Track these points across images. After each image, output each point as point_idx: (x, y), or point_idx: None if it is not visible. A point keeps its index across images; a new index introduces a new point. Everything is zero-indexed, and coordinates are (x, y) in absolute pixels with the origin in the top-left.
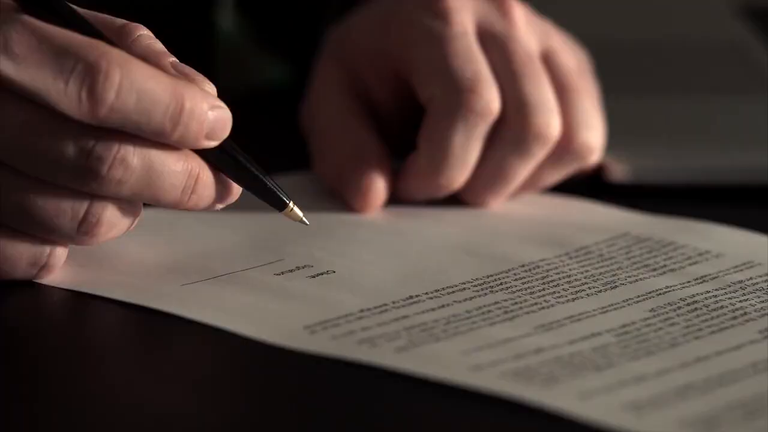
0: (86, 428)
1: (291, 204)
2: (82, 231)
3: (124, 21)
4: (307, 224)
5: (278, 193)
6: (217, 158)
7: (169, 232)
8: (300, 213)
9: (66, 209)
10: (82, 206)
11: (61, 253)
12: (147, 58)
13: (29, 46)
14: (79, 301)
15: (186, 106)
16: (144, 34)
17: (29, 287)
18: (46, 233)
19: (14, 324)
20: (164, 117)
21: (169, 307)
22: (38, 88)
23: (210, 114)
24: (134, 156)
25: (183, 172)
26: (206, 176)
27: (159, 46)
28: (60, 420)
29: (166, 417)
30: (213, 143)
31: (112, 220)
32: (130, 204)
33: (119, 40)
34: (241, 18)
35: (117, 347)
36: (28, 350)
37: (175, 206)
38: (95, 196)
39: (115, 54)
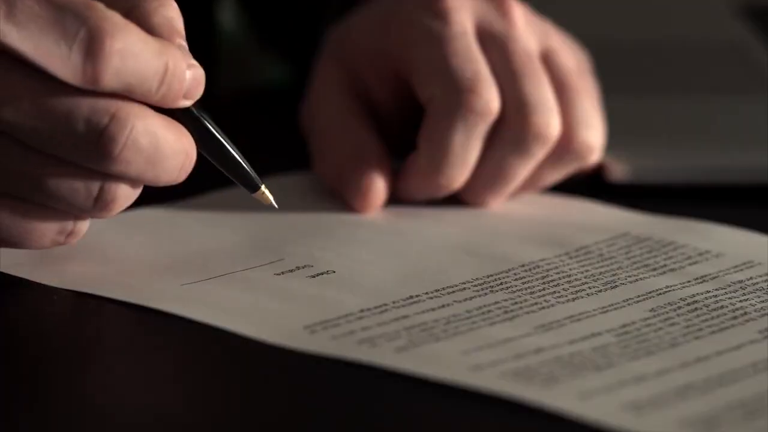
0: (86, 428)
1: (263, 187)
2: (98, 207)
3: None
4: (276, 208)
5: (252, 174)
6: (200, 136)
7: (169, 232)
8: (271, 197)
9: (80, 188)
10: (96, 185)
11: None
12: (161, 30)
13: (31, 12)
14: (79, 301)
15: (170, 66)
16: (170, 6)
17: (29, 287)
18: (65, 209)
19: (14, 324)
20: (153, 80)
21: (169, 307)
22: (41, 55)
23: (188, 73)
24: (144, 137)
25: (182, 152)
26: (195, 155)
27: (178, 24)
28: (60, 420)
29: (165, 417)
30: (189, 102)
31: (126, 194)
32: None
33: (145, 5)
34: (242, 18)
35: (117, 347)
36: (28, 350)
37: (166, 184)
38: (107, 175)
39: (115, 18)
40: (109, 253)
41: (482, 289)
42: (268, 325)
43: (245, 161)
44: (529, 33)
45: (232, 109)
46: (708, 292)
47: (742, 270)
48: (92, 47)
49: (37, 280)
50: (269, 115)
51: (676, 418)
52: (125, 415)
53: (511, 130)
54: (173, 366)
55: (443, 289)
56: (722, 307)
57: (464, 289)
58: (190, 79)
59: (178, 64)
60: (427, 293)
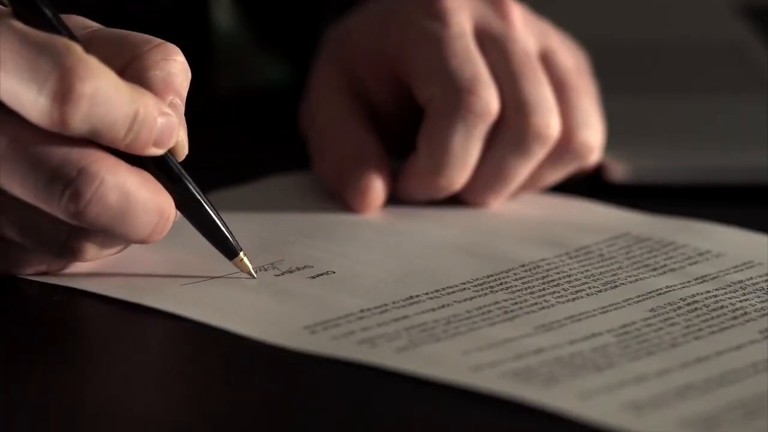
0: (86, 428)
1: (242, 254)
2: (66, 255)
3: (161, 41)
4: (254, 277)
5: (231, 240)
6: (183, 201)
7: (169, 232)
8: (249, 265)
9: (48, 234)
10: (63, 233)
11: None
12: (155, 83)
13: (12, 49)
14: (80, 300)
15: (140, 113)
16: (174, 61)
17: (29, 287)
18: (38, 251)
19: (14, 323)
20: (122, 126)
21: (169, 307)
22: (12, 95)
23: (159, 120)
24: (113, 192)
25: (155, 211)
26: (173, 216)
27: (177, 80)
28: (59, 419)
29: (164, 416)
30: (159, 151)
31: (96, 247)
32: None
33: (148, 57)
34: (241, 18)
35: (116, 347)
36: (28, 350)
37: (138, 243)
38: (74, 226)
39: (90, 62)
40: None
41: (482, 290)
42: (268, 325)
43: (225, 225)
44: (528, 33)
45: (232, 109)
46: (708, 292)
47: (742, 270)
48: (61, 90)
49: (38, 279)
50: (269, 115)
51: (676, 418)
52: (125, 415)
53: (511, 130)
54: (173, 366)
55: (443, 289)
56: (722, 307)
57: (464, 289)
58: (161, 127)
59: (149, 112)
60: (427, 293)
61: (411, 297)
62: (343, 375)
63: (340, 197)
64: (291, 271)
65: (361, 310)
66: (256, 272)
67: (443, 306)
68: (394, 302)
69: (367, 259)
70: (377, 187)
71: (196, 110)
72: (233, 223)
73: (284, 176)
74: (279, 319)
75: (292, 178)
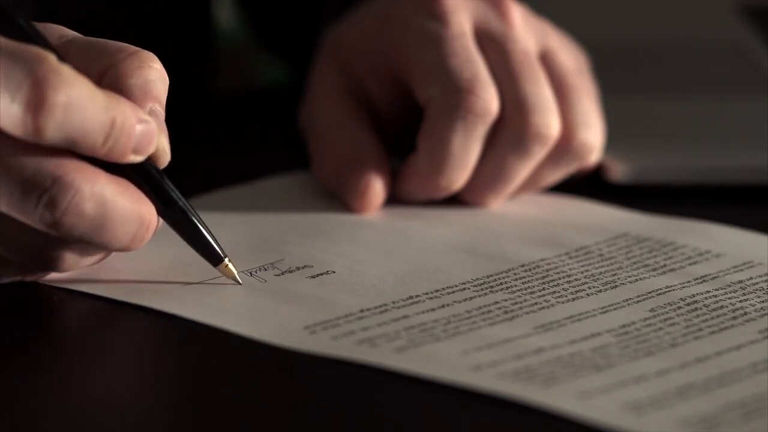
0: (84, 428)
1: (227, 260)
2: (44, 265)
3: (137, 48)
4: (240, 284)
5: (215, 245)
6: (165, 208)
7: (169, 232)
8: (234, 270)
9: (24, 244)
10: (39, 243)
11: None
12: (134, 92)
13: None
14: (79, 301)
15: (117, 120)
16: (151, 69)
17: (29, 288)
18: (14, 260)
19: (13, 324)
20: (99, 134)
21: (169, 307)
22: None
23: (138, 128)
24: (89, 202)
25: (135, 219)
26: (155, 223)
27: (156, 87)
28: (58, 419)
29: (164, 417)
30: (139, 158)
31: (75, 256)
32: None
33: (124, 65)
34: (241, 18)
35: (116, 347)
36: (27, 350)
37: (119, 251)
38: (50, 235)
39: (63, 71)
40: None
41: (482, 289)
42: (268, 325)
43: (209, 231)
44: (528, 33)
45: (232, 109)
46: (708, 292)
47: (742, 270)
48: (34, 99)
49: (38, 280)
50: (269, 115)
51: (676, 418)
52: (124, 414)
53: (511, 130)
54: (173, 366)
55: (443, 289)
56: (722, 307)
57: (464, 289)
58: (139, 134)
59: (127, 119)
60: (426, 293)
61: (411, 297)
62: (343, 375)
63: (340, 198)
64: (291, 271)
65: (361, 310)
66: (255, 271)
67: (443, 306)
68: (393, 302)
69: (367, 259)
70: (377, 188)
71: (196, 110)
72: (233, 224)
73: (284, 176)
74: (279, 319)
75: (292, 178)
